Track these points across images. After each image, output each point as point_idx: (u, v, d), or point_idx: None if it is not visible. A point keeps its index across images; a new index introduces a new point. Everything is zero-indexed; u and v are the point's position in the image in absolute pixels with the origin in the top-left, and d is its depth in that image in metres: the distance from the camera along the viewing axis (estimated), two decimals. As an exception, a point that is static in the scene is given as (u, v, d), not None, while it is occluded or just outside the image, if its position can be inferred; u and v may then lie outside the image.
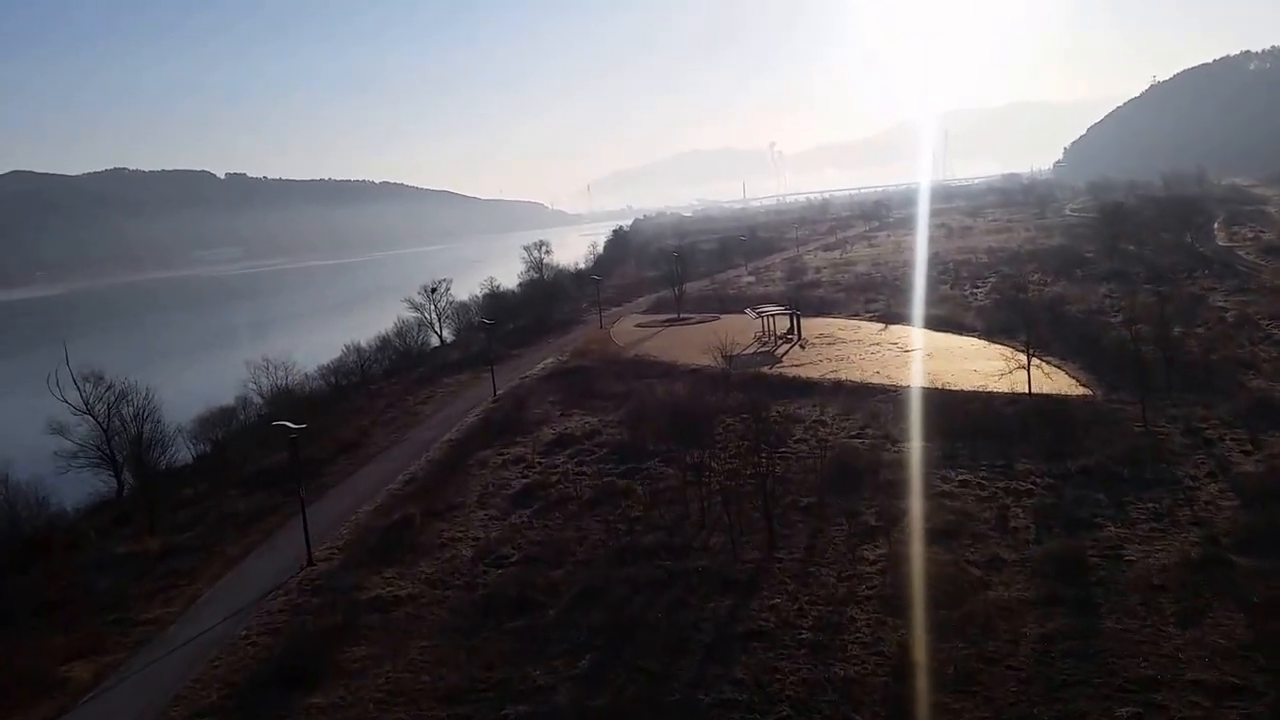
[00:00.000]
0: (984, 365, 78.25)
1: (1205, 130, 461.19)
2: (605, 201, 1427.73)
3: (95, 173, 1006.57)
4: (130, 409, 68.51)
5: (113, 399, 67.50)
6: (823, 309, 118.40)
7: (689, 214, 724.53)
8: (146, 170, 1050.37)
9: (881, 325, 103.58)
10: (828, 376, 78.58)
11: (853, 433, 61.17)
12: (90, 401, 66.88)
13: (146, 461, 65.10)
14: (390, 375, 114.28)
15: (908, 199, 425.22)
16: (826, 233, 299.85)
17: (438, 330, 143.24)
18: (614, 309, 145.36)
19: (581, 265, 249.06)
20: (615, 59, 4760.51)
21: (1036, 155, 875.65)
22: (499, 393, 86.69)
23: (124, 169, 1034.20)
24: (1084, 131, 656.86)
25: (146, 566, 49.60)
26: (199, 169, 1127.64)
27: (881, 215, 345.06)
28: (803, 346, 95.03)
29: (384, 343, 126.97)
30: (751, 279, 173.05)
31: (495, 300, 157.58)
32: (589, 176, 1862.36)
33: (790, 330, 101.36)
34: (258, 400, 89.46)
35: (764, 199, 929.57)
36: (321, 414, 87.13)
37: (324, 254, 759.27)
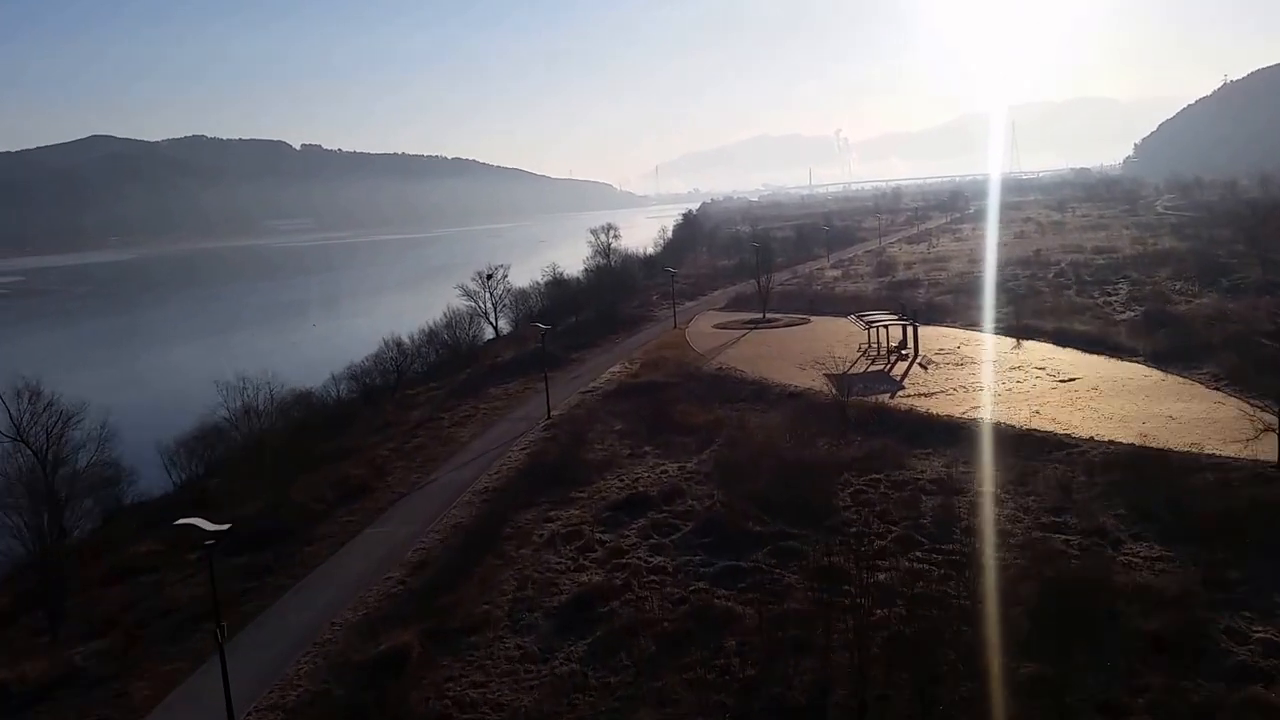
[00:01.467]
0: (1176, 409, 58.44)
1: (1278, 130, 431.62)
2: (673, 184, 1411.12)
3: (175, 139, 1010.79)
4: (81, 434, 52.17)
5: (53, 422, 50.59)
6: (931, 316, 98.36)
7: (755, 199, 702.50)
8: (225, 138, 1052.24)
9: (1014, 341, 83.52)
10: (973, 415, 59.35)
11: (1043, 520, 41.88)
12: (24, 425, 50.05)
13: (78, 514, 48.04)
14: (432, 376, 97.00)
15: (978, 190, 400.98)
16: (905, 224, 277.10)
17: (492, 321, 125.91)
18: (688, 303, 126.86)
19: (650, 250, 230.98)
20: (689, 44, 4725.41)
21: (1099, 150, 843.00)
22: (553, 414, 68.77)
23: (203, 136, 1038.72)
24: (1154, 128, 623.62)
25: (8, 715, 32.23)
26: (275, 139, 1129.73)
27: (960, 207, 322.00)
28: (924, 366, 75.58)
29: (430, 336, 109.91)
30: (836, 273, 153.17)
31: (558, 288, 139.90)
32: (657, 159, 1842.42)
33: (903, 343, 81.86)
34: (263, 410, 72.50)
35: (830, 186, 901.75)
36: (336, 433, 70.20)
37: (394, 228, 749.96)
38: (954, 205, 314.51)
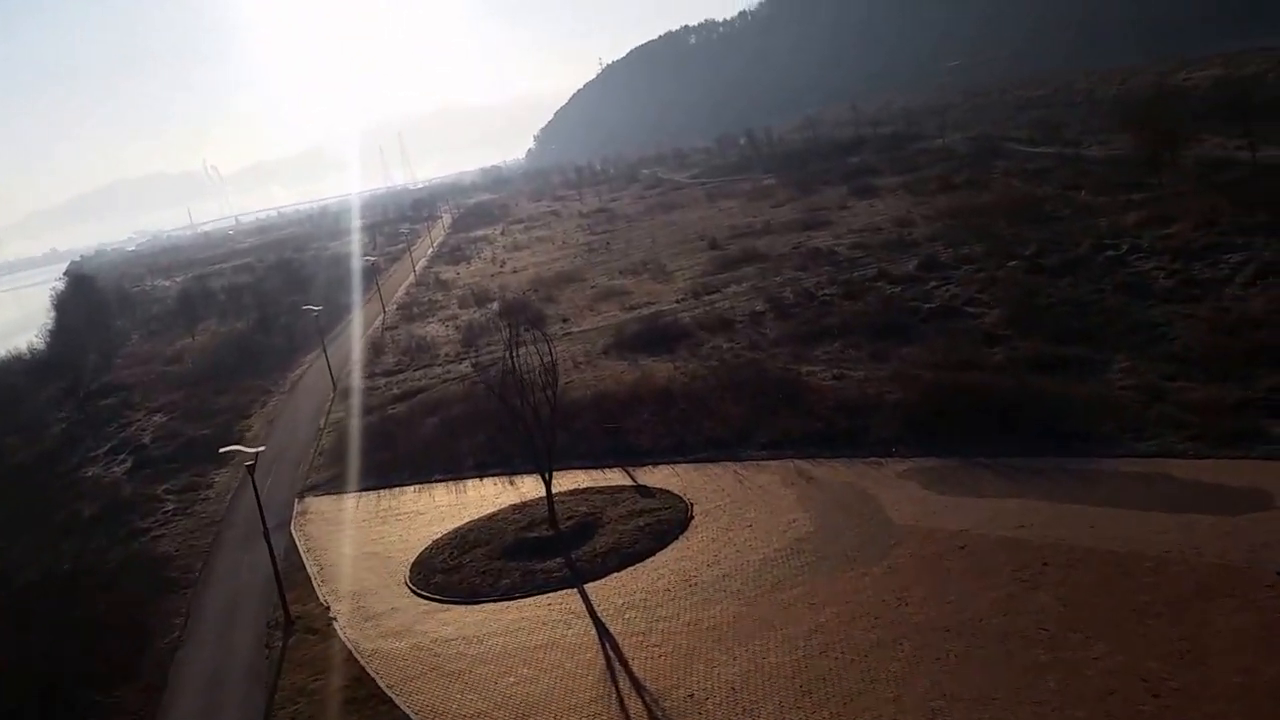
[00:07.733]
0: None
1: (665, 98, 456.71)
2: (23, 248, 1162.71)
3: None
4: None
5: None
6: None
7: (133, 249, 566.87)
8: None
9: None
10: None
11: None
12: None
13: None
14: None
15: (398, 202, 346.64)
16: (391, 244, 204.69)
17: None
18: (205, 491, 52.17)
19: (33, 343, 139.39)
20: (27, 91, 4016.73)
21: (473, 156, 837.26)
22: None
23: None
24: (550, 119, 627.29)
25: None
26: None
27: (440, 210, 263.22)
28: None
29: None
30: (445, 333, 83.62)
31: None
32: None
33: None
34: None
35: (220, 222, 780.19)
36: None
37: None
38: (431, 210, 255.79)
